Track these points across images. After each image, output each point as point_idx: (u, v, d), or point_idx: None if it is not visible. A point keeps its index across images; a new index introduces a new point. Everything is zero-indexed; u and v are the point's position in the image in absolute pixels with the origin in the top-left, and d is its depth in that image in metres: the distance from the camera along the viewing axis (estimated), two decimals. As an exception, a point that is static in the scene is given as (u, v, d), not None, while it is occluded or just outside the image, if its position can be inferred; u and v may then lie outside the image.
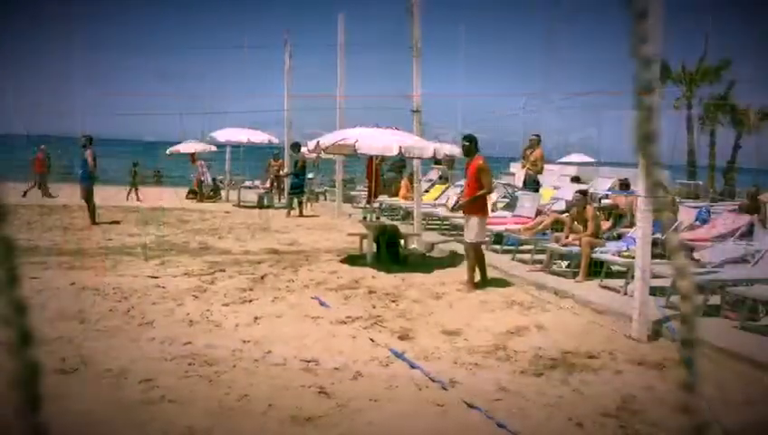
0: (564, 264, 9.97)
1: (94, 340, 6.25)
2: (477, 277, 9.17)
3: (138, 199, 21.85)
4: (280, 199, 20.92)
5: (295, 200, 18.24)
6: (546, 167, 16.00)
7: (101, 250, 11.29)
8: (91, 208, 14.78)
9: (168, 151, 25.19)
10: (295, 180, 18.32)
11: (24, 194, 20.35)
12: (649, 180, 0.63)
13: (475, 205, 9.18)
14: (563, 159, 29.40)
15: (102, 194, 16.40)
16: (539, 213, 12.22)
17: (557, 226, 10.73)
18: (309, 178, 21.97)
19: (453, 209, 9.75)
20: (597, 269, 9.09)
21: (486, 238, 10.11)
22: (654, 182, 0.63)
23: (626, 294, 8.09)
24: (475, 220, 9.12)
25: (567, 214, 10.87)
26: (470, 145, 9.34)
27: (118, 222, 15.28)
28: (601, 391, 5.36)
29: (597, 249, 9.19)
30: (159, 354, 5.91)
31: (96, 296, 7.90)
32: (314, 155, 16.46)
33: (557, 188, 15.84)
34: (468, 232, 9.20)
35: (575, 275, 9.27)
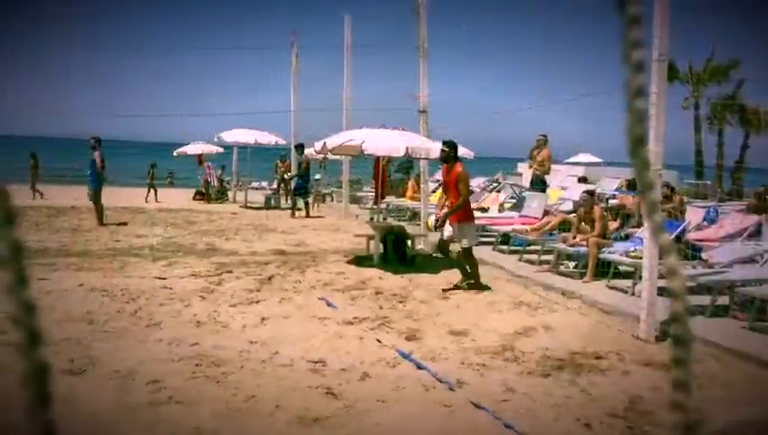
0: (572, 264, 9.95)
1: (102, 341, 6.27)
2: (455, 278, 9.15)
3: (146, 201, 21.94)
4: (287, 200, 20.99)
5: (301, 201, 18.28)
6: (553, 167, 15.99)
7: (109, 251, 11.34)
8: (99, 210, 14.83)
9: (174, 153, 25.31)
10: (300, 181, 18.36)
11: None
12: (641, 183, 0.64)
13: (463, 211, 9.09)
14: (570, 160, 29.38)
15: (109, 195, 16.44)
16: (546, 213, 12.21)
17: (564, 226, 10.72)
18: (316, 179, 22.04)
19: (437, 228, 9.63)
20: (604, 270, 9.07)
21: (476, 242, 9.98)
22: (645, 184, 0.63)
23: (633, 294, 8.06)
24: (465, 226, 9.09)
25: (574, 214, 10.86)
26: (449, 151, 9.18)
27: (125, 223, 15.33)
28: (609, 391, 5.35)
29: (604, 250, 9.17)
30: (167, 355, 5.92)
31: (104, 298, 7.93)
32: (321, 156, 16.53)
33: (564, 188, 15.82)
34: (461, 238, 9.12)
35: (582, 275, 9.25)
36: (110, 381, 5.27)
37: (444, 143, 9.34)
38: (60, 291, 8.11)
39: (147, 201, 21.92)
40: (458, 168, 9.08)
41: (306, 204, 18.36)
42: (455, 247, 9.27)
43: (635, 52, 0.59)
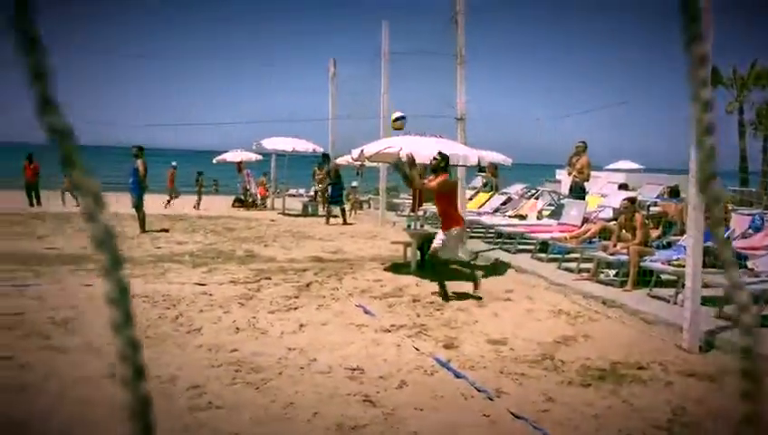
0: (612, 272, 9.80)
1: (144, 346, 6.34)
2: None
3: (195, 207, 22.31)
4: (324, 208, 21.20)
5: (337, 209, 18.55)
6: (592, 174, 15.78)
7: (151, 258, 11.52)
8: (141, 217, 15.09)
9: (214, 160, 25.69)
10: (334, 190, 18.67)
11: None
12: (712, 219, 0.63)
13: (453, 217, 9.14)
14: (610, 166, 28.99)
15: (150, 202, 16.72)
16: (585, 221, 12.06)
17: (604, 234, 10.56)
18: (353, 187, 22.21)
19: (397, 166, 9.67)
20: (646, 278, 8.91)
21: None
22: (715, 220, 0.63)
23: (676, 303, 7.92)
24: (456, 232, 9.09)
25: (614, 222, 10.70)
26: (440, 162, 9.36)
27: (167, 230, 15.57)
28: (652, 402, 5.25)
29: (646, 258, 9.02)
30: (207, 361, 5.99)
31: (145, 304, 8.05)
32: (358, 163, 16.62)
33: (604, 195, 15.61)
34: (456, 250, 9.12)
35: (623, 284, 9.11)
36: (151, 386, 5.32)
37: (439, 153, 9.45)
38: (103, 297, 8.24)
39: (195, 208, 22.34)
40: (444, 177, 9.30)
41: (342, 211, 18.56)
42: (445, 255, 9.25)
43: (703, 91, 0.59)
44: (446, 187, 9.35)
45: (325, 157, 19.60)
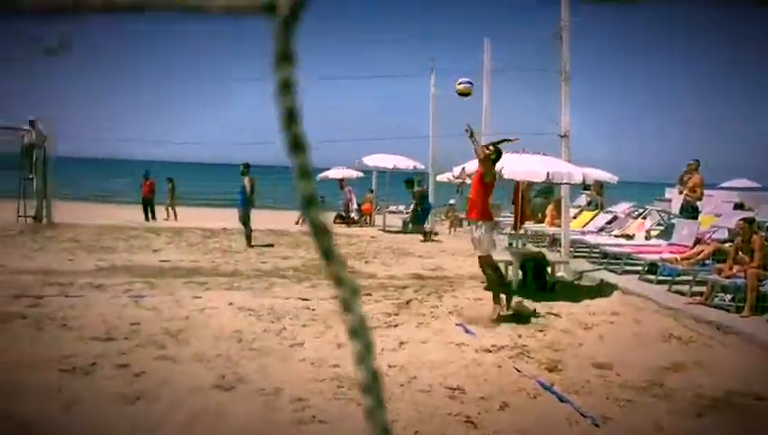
0: (728, 297, 9.30)
1: (250, 359, 6.56)
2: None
3: (303, 224, 22.98)
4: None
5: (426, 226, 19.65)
6: (705, 192, 15.06)
7: (257, 272, 11.88)
8: (248, 233, 15.62)
9: (318, 177, 26.28)
10: (418, 210, 20.07)
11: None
12: None
13: (481, 209, 8.88)
14: (725, 184, 27.60)
15: (257, 218, 17.26)
16: (698, 242, 11.53)
17: (719, 256, 10.06)
18: (450, 204, 22.36)
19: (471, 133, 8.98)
20: (765, 304, 8.41)
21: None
22: None
23: (799, 331, 7.42)
24: (484, 225, 8.84)
25: (730, 243, 10.17)
26: (492, 153, 8.88)
27: (272, 245, 16.03)
28: (772, 437, 4.94)
29: (765, 282, 8.52)
30: (310, 375, 6.10)
31: (251, 317, 8.30)
32: (459, 181, 16.61)
33: (718, 215, 14.86)
34: (481, 244, 8.89)
35: (739, 309, 8.62)
36: (257, 398, 5.49)
37: (493, 144, 9.09)
38: (212, 309, 8.59)
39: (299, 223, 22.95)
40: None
41: (424, 232, 19.23)
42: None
43: None
44: (491, 173, 8.88)
45: (409, 182, 20.94)
